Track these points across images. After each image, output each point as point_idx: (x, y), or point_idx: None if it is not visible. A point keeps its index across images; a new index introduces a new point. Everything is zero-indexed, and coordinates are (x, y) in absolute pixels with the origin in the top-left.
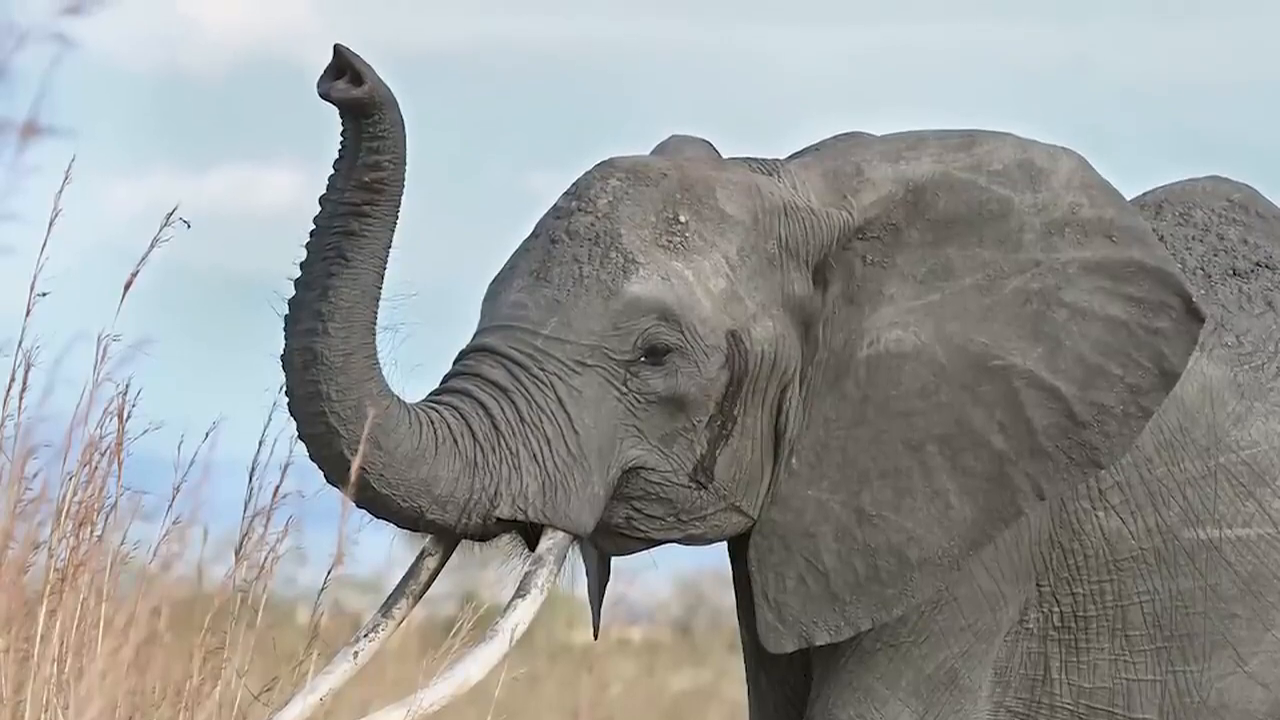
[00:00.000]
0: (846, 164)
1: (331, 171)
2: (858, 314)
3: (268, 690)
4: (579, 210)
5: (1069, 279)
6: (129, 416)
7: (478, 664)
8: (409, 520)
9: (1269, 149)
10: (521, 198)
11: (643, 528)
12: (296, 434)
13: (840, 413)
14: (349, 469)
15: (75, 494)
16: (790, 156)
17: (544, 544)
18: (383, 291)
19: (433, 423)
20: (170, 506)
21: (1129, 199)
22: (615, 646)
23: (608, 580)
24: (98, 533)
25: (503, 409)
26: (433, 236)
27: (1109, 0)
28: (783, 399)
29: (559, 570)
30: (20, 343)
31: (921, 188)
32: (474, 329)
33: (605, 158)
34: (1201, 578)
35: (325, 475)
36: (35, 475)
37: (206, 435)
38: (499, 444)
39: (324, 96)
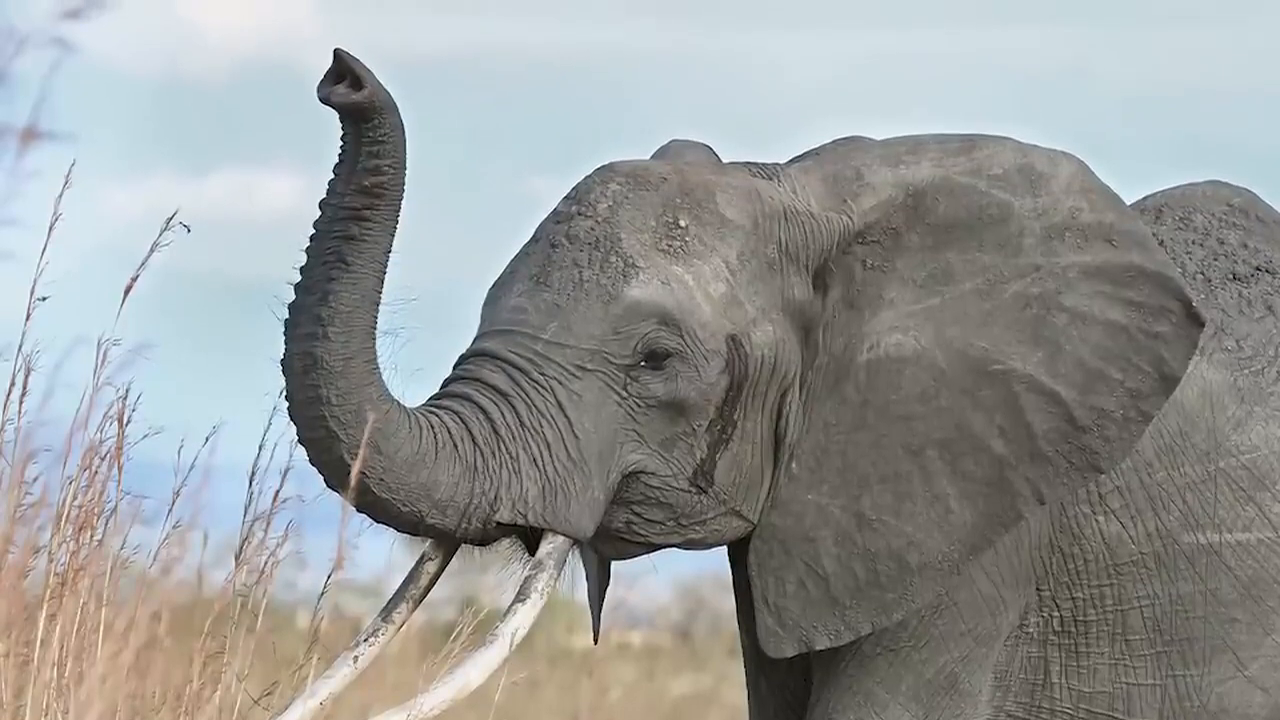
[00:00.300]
0: (846, 168)
1: (331, 176)
2: (858, 318)
3: (268, 695)
4: (579, 215)
5: (1069, 283)
6: (129, 421)
7: (478, 668)
8: (409, 525)
9: (1269, 154)
10: (522, 202)
11: (643, 532)
12: (296, 438)
13: (840, 417)
14: (349, 473)
15: (75, 498)
16: (790, 161)
17: (544, 548)
18: (383, 296)
19: (433, 427)
20: (170, 511)
21: (1129, 203)
22: (615, 651)
23: (608, 585)
24: (98, 537)
25: (503, 413)
26: (433, 241)
27: (1110, 5)
28: (783, 403)
29: (559, 575)
30: (20, 347)
31: (921, 192)
32: (474, 333)
33: (605, 162)
34: (1201, 582)
35: (325, 480)
36: (35, 480)
37: (206, 440)
38: (499, 448)
39: (324, 101)
